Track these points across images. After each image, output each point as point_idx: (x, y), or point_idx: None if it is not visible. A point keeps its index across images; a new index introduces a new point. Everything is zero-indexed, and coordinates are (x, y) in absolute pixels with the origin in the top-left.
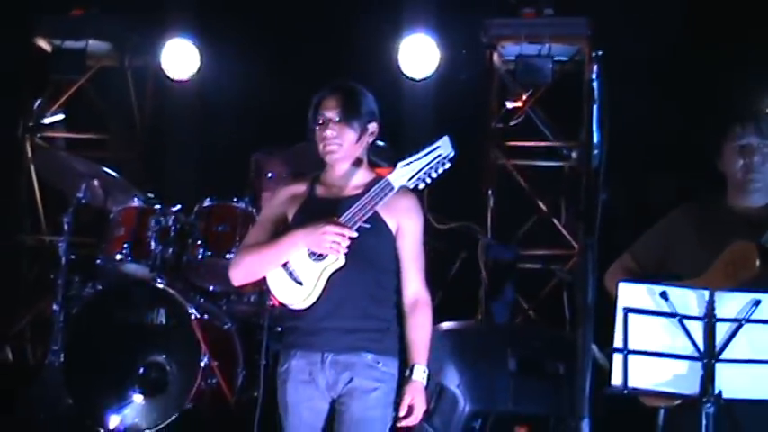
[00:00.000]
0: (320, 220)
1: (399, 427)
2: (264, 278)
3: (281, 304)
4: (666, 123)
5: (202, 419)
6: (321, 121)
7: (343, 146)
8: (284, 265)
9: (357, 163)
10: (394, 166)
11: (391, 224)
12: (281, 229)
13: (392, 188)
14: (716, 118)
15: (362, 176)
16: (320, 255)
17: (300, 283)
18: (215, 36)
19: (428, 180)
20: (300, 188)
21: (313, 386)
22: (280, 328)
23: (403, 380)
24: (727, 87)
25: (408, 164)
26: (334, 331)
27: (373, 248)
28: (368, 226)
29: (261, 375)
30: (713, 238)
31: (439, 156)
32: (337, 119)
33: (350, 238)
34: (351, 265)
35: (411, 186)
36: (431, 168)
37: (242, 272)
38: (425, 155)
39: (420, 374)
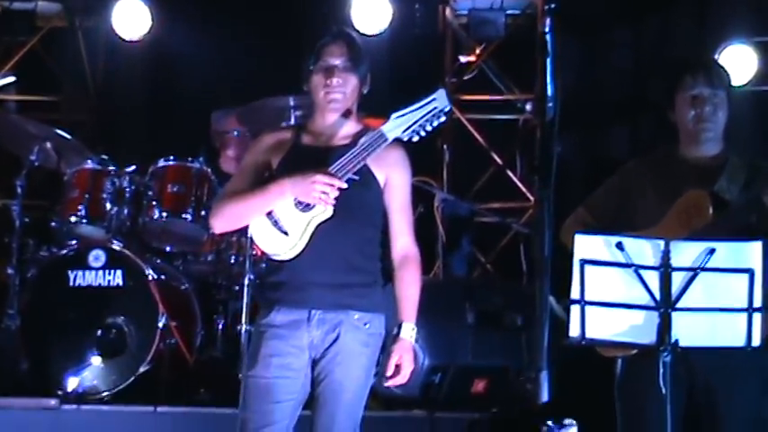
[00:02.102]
0: (309, 169)
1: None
2: (244, 230)
3: (263, 256)
4: (619, 75)
5: (161, 380)
6: (326, 68)
7: (346, 94)
8: (269, 214)
9: (347, 113)
10: (385, 117)
11: (380, 177)
12: (265, 177)
13: (386, 139)
14: (667, 68)
15: (351, 126)
16: (307, 205)
17: (286, 233)
18: None
19: (422, 133)
20: (284, 135)
21: (292, 343)
22: (237, 287)
23: (390, 338)
24: (678, 36)
25: (403, 115)
26: (320, 287)
27: (362, 201)
28: (357, 178)
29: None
30: (667, 189)
31: (434, 108)
32: (343, 66)
33: (339, 189)
34: (338, 217)
35: (405, 138)
36: (426, 121)
37: (224, 220)
38: (421, 107)
39: (408, 332)
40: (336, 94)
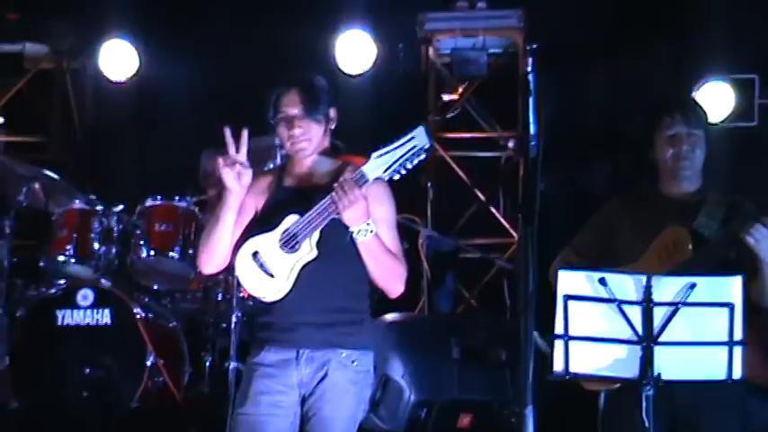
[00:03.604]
0: (292, 210)
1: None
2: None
3: (250, 297)
4: (600, 113)
5: (150, 418)
6: (284, 119)
7: (312, 141)
8: (255, 256)
9: (323, 151)
10: (366, 156)
11: None
12: (250, 222)
13: (366, 180)
14: (646, 108)
15: (329, 164)
16: (292, 246)
17: (272, 276)
18: (153, 36)
19: (403, 171)
20: (268, 178)
21: (282, 382)
22: (224, 325)
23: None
24: (657, 74)
25: (382, 155)
26: (308, 326)
27: (345, 241)
28: (339, 217)
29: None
30: (648, 225)
31: (414, 147)
32: (302, 114)
33: (322, 231)
34: (323, 258)
35: (386, 178)
36: (406, 160)
37: (204, 255)
38: (400, 145)
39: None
40: (302, 144)
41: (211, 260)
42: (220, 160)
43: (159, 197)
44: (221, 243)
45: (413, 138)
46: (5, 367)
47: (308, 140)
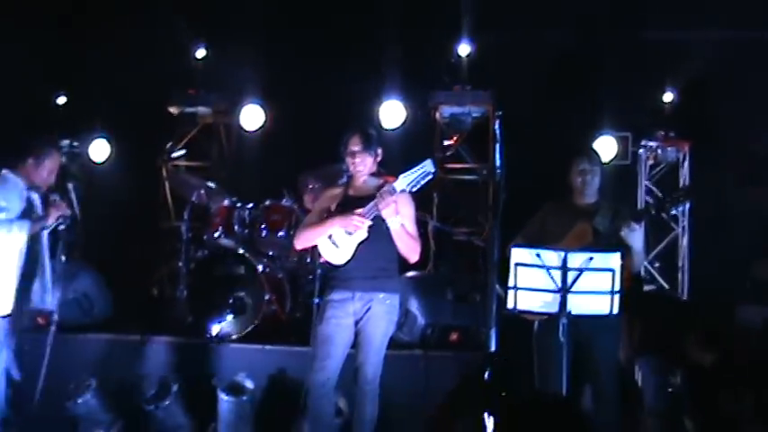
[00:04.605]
0: (350, 211)
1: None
2: (315, 246)
3: (326, 261)
4: (540, 156)
5: (267, 330)
6: (351, 152)
7: (366, 167)
8: (330, 237)
9: (373, 174)
10: (396, 176)
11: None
12: (325, 216)
13: (395, 191)
14: (568, 152)
15: (375, 182)
16: (351, 232)
17: (338, 248)
18: (274, 101)
19: (417, 186)
20: (337, 190)
21: (343, 310)
22: (310, 276)
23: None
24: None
25: (406, 176)
26: (359, 279)
27: (384, 228)
28: (381, 214)
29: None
30: (566, 221)
31: (426, 172)
32: (359, 150)
33: (370, 221)
34: (370, 238)
35: (408, 190)
36: (420, 178)
37: (302, 242)
38: (417, 170)
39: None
40: (359, 168)
41: (305, 245)
42: (356, 217)
43: (273, 199)
44: (313, 241)
45: (424, 166)
46: (185, 297)
47: (363, 166)
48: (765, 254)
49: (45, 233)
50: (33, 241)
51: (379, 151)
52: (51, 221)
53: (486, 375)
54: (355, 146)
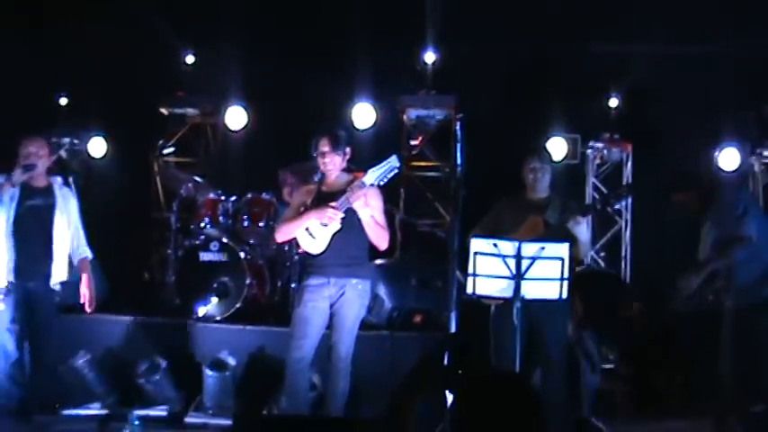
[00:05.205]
0: (324, 205)
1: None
2: (294, 238)
3: (303, 251)
4: (497, 156)
5: (248, 312)
6: (320, 152)
7: (335, 165)
8: (306, 229)
9: (343, 170)
10: (365, 171)
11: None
12: (301, 210)
13: (364, 185)
14: (522, 152)
15: (346, 178)
16: (325, 224)
17: (315, 239)
18: (256, 103)
19: (385, 179)
20: (312, 186)
21: (319, 294)
22: (288, 263)
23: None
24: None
25: (374, 170)
26: (334, 266)
27: (356, 220)
28: (352, 207)
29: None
30: (519, 214)
31: (392, 166)
32: (329, 150)
33: (342, 214)
34: (343, 229)
35: (377, 184)
36: (387, 172)
37: (283, 235)
38: (384, 165)
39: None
40: (329, 167)
41: (286, 238)
42: (330, 209)
43: (254, 193)
44: (294, 233)
45: (390, 161)
46: (173, 282)
47: (333, 165)
48: (692, 261)
49: (58, 214)
50: (44, 221)
51: (348, 150)
52: (17, 176)
53: (445, 354)
54: (324, 147)
